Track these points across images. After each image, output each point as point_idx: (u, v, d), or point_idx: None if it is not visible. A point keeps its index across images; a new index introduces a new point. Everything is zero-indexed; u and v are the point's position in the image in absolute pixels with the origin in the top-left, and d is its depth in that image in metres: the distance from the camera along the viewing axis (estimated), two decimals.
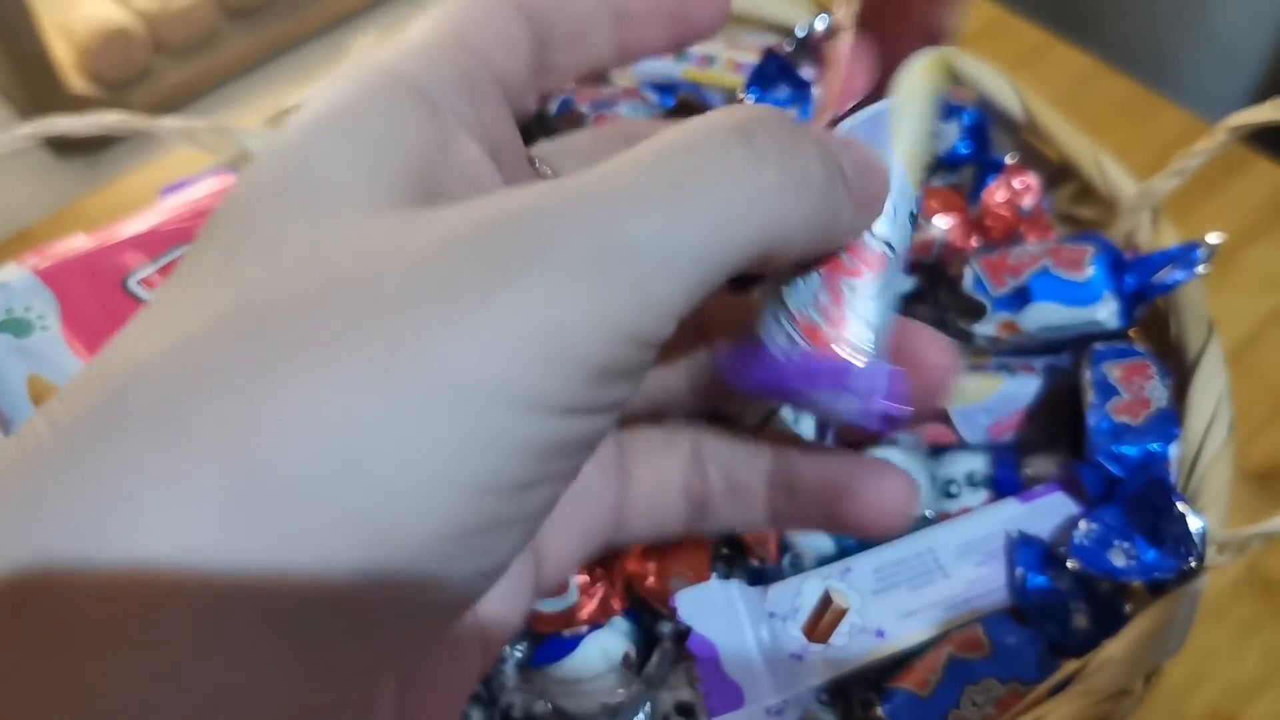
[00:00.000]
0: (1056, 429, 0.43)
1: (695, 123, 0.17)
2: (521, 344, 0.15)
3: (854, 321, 0.19)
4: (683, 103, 0.44)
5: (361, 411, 0.14)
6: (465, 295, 0.15)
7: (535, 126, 0.47)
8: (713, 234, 0.16)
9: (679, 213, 0.16)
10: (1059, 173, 0.48)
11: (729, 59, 0.49)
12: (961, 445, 0.43)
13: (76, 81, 0.73)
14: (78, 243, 0.44)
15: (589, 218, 0.16)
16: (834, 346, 0.19)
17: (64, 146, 0.71)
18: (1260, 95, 0.91)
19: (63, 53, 0.74)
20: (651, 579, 0.38)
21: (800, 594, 0.37)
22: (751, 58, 0.49)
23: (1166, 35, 0.91)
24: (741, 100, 0.45)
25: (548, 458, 0.16)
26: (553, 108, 0.47)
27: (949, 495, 0.42)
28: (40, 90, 0.71)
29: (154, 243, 0.44)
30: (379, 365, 0.14)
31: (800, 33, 0.51)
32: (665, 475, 0.23)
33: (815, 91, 0.47)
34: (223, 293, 0.15)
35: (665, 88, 0.48)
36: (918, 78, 0.21)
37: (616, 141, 0.20)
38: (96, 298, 0.42)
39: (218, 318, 0.15)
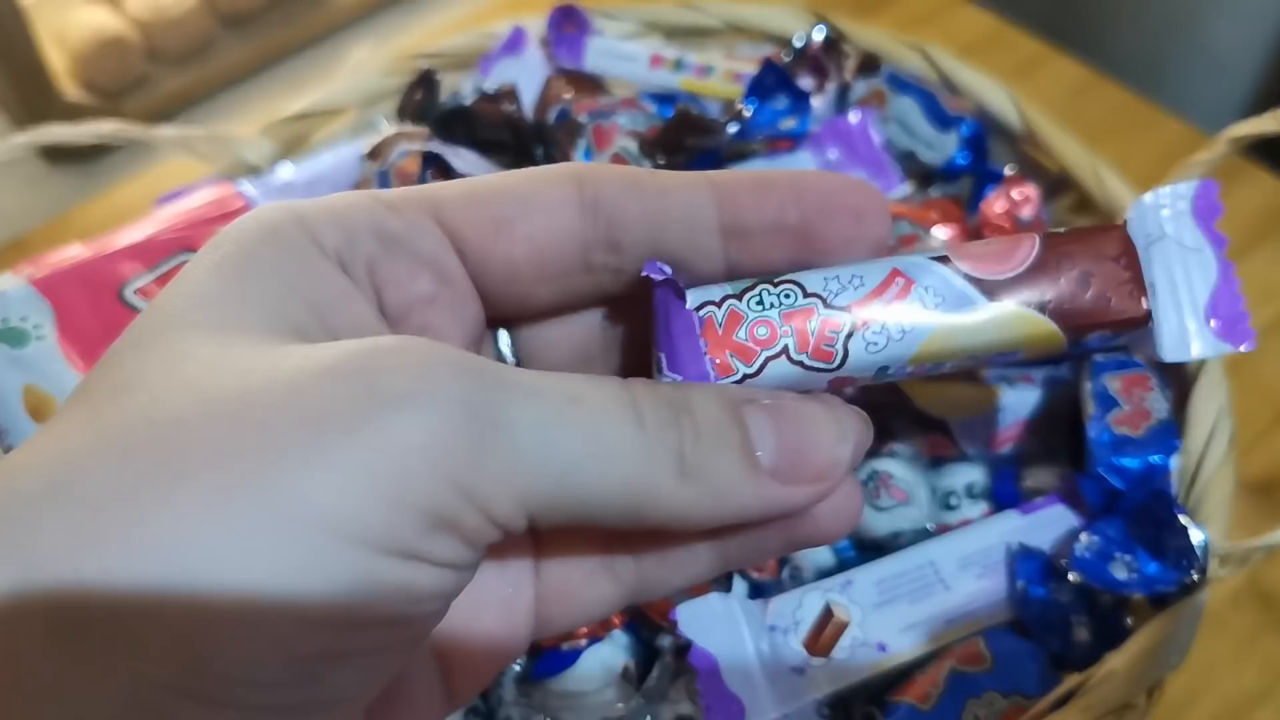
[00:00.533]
0: (1056, 440, 0.43)
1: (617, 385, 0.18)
2: (371, 483, 0.15)
3: None
4: (681, 114, 0.44)
5: (201, 536, 0.15)
6: (329, 427, 0.15)
7: (534, 135, 0.47)
8: (584, 470, 0.17)
9: (563, 424, 0.17)
10: (1058, 183, 0.48)
11: (727, 69, 0.49)
12: (961, 457, 0.43)
13: (71, 89, 0.73)
14: (74, 252, 0.44)
15: (470, 383, 0.16)
16: None
17: (59, 155, 0.71)
18: (1254, 104, 0.91)
19: (57, 60, 0.73)
20: None
21: (801, 607, 0.37)
22: (749, 68, 0.49)
23: (1161, 45, 0.91)
24: (741, 110, 0.45)
25: (382, 598, 0.16)
26: (551, 117, 0.47)
27: (949, 507, 0.42)
28: (35, 98, 0.70)
29: (150, 252, 0.43)
30: (229, 491, 0.15)
31: (798, 43, 0.51)
32: (583, 561, 0.22)
33: (816, 104, 0.47)
34: (108, 414, 0.16)
35: (664, 98, 0.48)
36: None
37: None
38: (93, 308, 0.42)
39: (95, 436, 0.16)
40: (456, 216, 0.20)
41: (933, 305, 0.20)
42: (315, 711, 0.17)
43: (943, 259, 0.21)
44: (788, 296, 0.20)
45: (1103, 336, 0.21)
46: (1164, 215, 0.22)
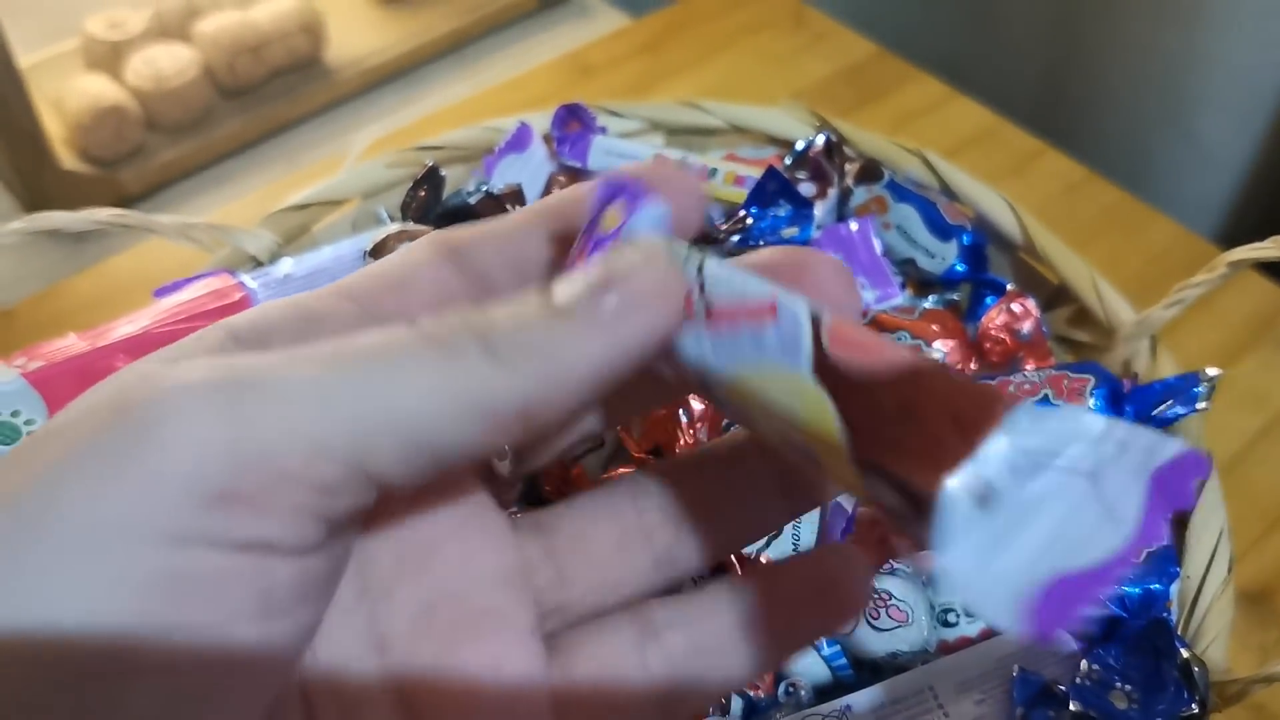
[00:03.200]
0: None
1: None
2: (143, 480, 0.16)
3: None
4: None
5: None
6: (109, 451, 0.16)
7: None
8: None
9: (338, 361, 0.17)
10: (1056, 294, 0.49)
11: (729, 172, 0.50)
12: None
13: (67, 157, 0.73)
14: (67, 342, 0.43)
15: (218, 364, 0.17)
16: None
17: None
18: (1242, 198, 0.92)
19: (54, 128, 0.73)
20: None
21: None
22: (752, 171, 0.49)
23: (1149, 137, 0.93)
24: (743, 217, 0.45)
25: (190, 593, 0.16)
26: None
27: (947, 624, 0.42)
28: (31, 165, 0.70)
29: (146, 346, 0.43)
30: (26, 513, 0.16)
31: (800, 147, 0.51)
32: (615, 655, 0.21)
33: (817, 211, 0.47)
34: None
35: None
36: None
37: None
38: None
39: None
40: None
41: (773, 344, 0.18)
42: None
43: (816, 321, 0.18)
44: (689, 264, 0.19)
45: (887, 488, 0.17)
46: (1103, 448, 0.16)
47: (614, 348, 0.18)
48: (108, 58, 0.76)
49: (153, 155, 0.74)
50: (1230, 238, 0.51)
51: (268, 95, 0.78)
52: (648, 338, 0.18)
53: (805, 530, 0.40)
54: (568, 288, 0.18)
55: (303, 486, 0.16)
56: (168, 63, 0.74)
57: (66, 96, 0.73)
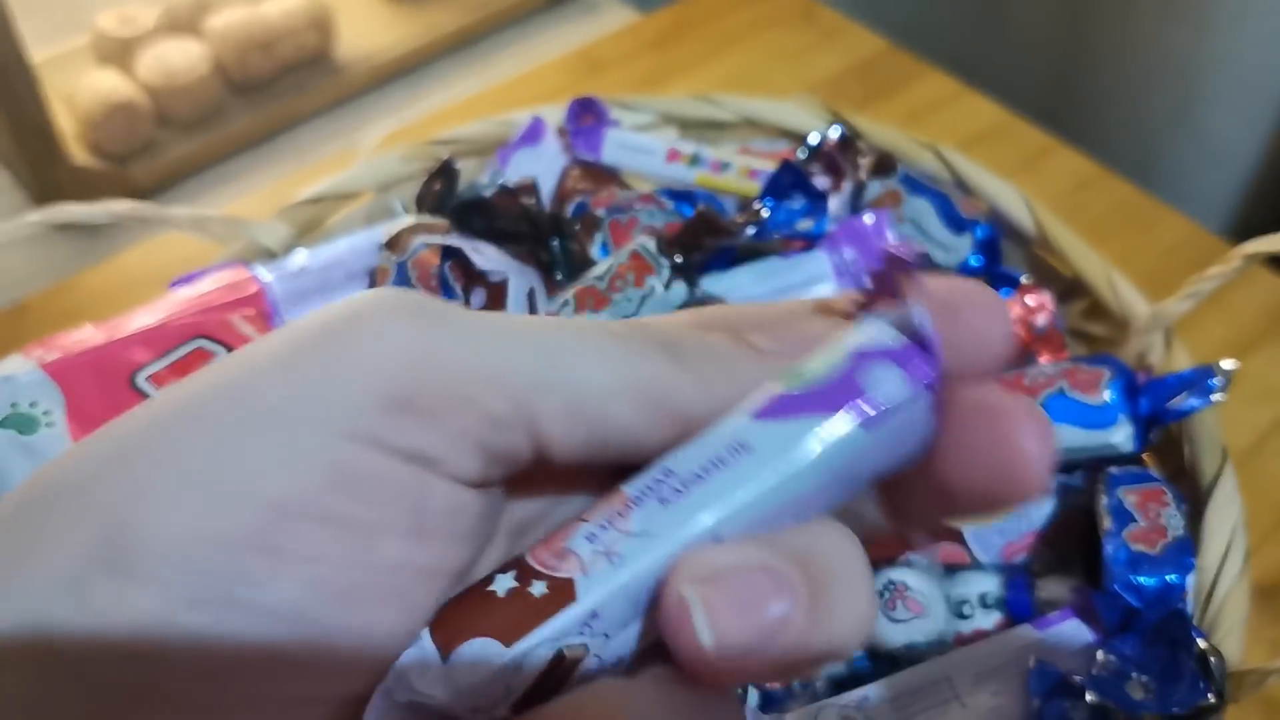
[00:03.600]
0: (1069, 549, 0.43)
1: None
2: (347, 382, 0.17)
3: None
4: (701, 215, 0.44)
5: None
6: (307, 348, 0.18)
7: (551, 227, 0.47)
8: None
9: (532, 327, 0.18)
10: (1070, 288, 0.49)
11: (744, 166, 0.50)
12: (975, 565, 0.42)
13: (79, 153, 0.73)
14: (85, 334, 0.43)
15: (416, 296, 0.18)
16: None
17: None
18: (1251, 195, 0.92)
19: (66, 123, 0.73)
20: None
21: None
22: (766, 164, 0.49)
23: (1158, 134, 0.93)
24: (758, 211, 0.45)
25: (352, 485, 0.17)
26: (569, 209, 0.47)
27: (962, 616, 0.42)
28: (42, 160, 0.70)
29: (164, 339, 0.43)
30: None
31: (814, 141, 0.51)
32: None
33: (831, 204, 0.47)
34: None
35: (681, 194, 0.48)
36: None
37: None
38: (103, 394, 0.42)
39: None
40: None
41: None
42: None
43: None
44: None
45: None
46: None
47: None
48: (119, 53, 0.76)
49: (163, 150, 0.74)
50: (1239, 234, 0.51)
51: (277, 91, 0.78)
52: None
53: None
54: (768, 339, 0.19)
55: (473, 412, 0.17)
56: (178, 58, 0.74)
57: (78, 92, 0.73)
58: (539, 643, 0.17)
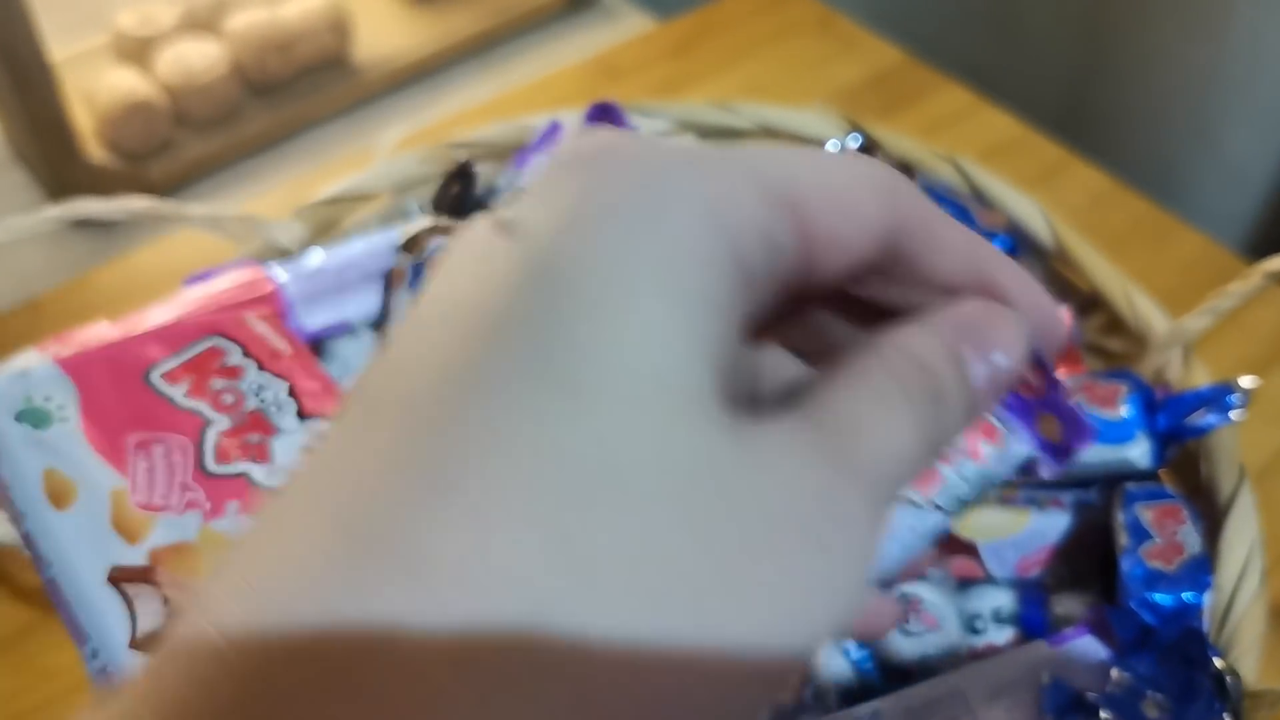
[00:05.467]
0: (1084, 565, 0.43)
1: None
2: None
3: None
4: None
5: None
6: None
7: None
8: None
9: None
10: (1088, 303, 0.48)
11: None
12: (988, 580, 0.42)
13: (96, 151, 0.73)
14: (99, 329, 0.43)
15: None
16: None
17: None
18: (1268, 212, 0.92)
19: (84, 121, 0.74)
20: None
21: None
22: None
23: (1175, 149, 0.92)
24: None
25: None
26: None
27: (974, 631, 0.41)
28: (59, 158, 0.70)
29: (178, 336, 0.43)
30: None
31: (833, 150, 0.51)
32: None
33: None
34: (545, 438, 0.15)
35: None
36: None
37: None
38: (117, 390, 0.42)
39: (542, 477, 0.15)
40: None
41: None
42: None
43: None
44: None
45: None
46: None
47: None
48: (138, 52, 0.76)
49: (180, 150, 0.74)
50: (1256, 251, 0.51)
51: (295, 92, 0.78)
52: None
53: None
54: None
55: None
56: (197, 58, 0.74)
57: (97, 90, 0.74)
58: None
